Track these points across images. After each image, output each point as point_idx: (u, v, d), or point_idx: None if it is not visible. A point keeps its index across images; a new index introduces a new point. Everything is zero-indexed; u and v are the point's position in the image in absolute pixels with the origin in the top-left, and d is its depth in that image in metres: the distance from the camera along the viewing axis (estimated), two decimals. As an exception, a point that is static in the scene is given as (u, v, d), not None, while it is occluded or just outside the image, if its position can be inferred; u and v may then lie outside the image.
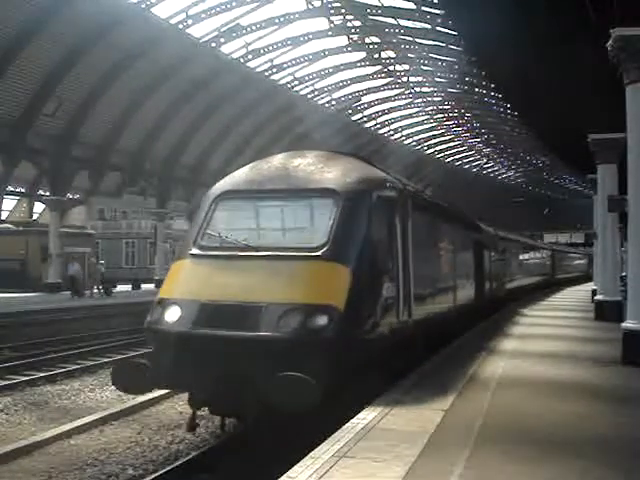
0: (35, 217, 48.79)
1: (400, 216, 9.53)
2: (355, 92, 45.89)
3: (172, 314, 8.06)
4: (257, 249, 8.36)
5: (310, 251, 8.14)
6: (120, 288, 38.98)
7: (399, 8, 33.54)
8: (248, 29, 34.28)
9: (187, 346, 7.79)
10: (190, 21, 32.87)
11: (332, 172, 8.91)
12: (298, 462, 5.83)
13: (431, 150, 63.12)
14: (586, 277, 62.05)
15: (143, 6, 30.83)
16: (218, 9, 32.18)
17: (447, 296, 13.58)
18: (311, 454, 6.04)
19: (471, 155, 70.56)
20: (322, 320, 7.64)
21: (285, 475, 5.51)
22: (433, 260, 12.36)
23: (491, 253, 21.74)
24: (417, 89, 46.59)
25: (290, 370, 7.08)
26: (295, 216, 8.86)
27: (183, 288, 8.40)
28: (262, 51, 36.83)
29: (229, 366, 7.56)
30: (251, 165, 9.75)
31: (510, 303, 27.21)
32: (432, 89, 46.24)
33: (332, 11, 34.32)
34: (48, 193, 37.13)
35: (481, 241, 19.30)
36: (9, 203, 51.40)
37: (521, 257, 34.57)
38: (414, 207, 10.25)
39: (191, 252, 8.75)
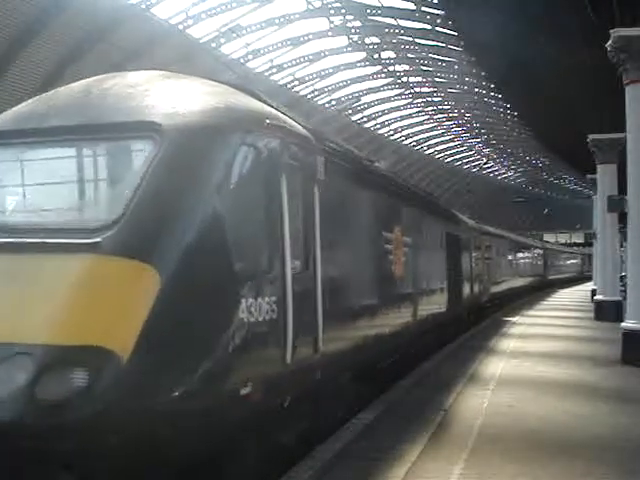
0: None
1: (296, 182, 5.81)
2: (355, 92, 45.94)
3: None
4: None
5: (83, 235, 4.39)
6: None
7: (399, 8, 33.57)
8: (248, 29, 34.34)
9: None
10: (190, 21, 32.94)
11: (161, 97, 5.19)
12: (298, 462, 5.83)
13: (431, 150, 63.18)
14: (581, 278, 61.87)
15: (143, 6, 30.88)
16: (218, 9, 32.25)
17: (400, 308, 9.84)
18: (311, 454, 6.04)
19: (471, 155, 70.62)
20: (76, 380, 3.95)
21: (285, 475, 5.51)
22: (371, 257, 8.53)
23: (471, 250, 18.54)
24: (417, 89, 46.64)
25: None
26: (81, 172, 5.15)
27: None
28: (262, 51, 36.89)
29: None
30: (45, 94, 5.87)
31: (496, 311, 24.23)
32: (432, 89, 46.30)
33: (332, 11, 34.34)
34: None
35: (457, 235, 16.04)
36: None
37: (510, 256, 31.28)
38: (333, 173, 6.68)
39: None
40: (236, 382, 4.75)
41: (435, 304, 12.73)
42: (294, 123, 6.27)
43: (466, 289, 17.10)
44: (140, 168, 4.68)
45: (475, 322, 19.34)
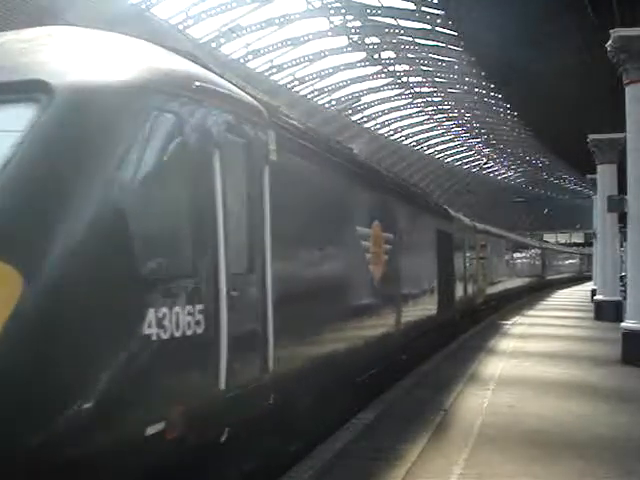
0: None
1: (237, 163, 4.78)
2: (355, 92, 45.99)
3: None
4: None
5: None
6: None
7: (399, 8, 33.59)
8: (248, 29, 34.37)
9: None
10: (190, 21, 32.96)
11: (59, 53, 4.12)
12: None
13: (431, 150, 63.20)
14: (580, 278, 61.80)
15: (143, 6, 30.89)
16: (218, 9, 32.27)
17: (380, 314, 8.73)
18: (311, 454, 6.04)
19: (471, 155, 70.64)
20: None
21: (285, 475, 5.51)
22: (342, 256, 7.32)
23: (465, 249, 17.76)
24: (417, 89, 46.68)
25: None
26: None
27: None
28: (262, 51, 36.91)
29: None
30: None
31: (492, 314, 23.38)
32: (432, 89, 46.33)
33: (332, 11, 34.36)
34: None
35: (450, 233, 15.21)
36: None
37: (507, 256, 30.32)
38: (290, 154, 5.68)
39: None
40: (139, 419, 3.68)
41: (423, 307, 11.79)
42: (239, 91, 5.14)
43: (459, 290, 16.25)
44: (14, 138, 3.58)
45: (469, 326, 18.55)
